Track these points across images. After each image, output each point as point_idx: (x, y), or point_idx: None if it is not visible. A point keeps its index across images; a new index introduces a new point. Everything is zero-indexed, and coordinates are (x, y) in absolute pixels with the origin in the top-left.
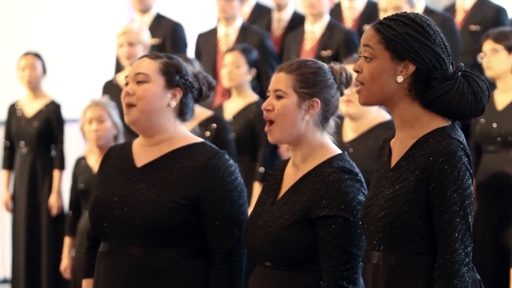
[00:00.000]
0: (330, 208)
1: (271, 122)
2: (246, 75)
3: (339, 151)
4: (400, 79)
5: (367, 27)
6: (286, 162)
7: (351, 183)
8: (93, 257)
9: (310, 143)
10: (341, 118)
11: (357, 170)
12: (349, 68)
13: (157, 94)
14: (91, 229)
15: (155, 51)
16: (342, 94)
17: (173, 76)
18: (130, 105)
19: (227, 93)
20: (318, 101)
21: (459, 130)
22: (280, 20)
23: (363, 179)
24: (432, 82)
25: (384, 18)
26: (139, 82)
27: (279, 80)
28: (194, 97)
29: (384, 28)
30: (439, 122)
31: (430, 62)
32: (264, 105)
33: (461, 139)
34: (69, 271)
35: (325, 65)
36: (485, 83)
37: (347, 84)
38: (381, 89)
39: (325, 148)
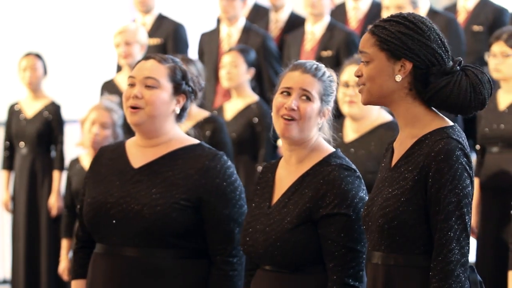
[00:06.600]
0: (332, 206)
1: (292, 120)
2: (245, 75)
3: (332, 149)
4: (398, 78)
5: None
6: (275, 163)
7: (351, 180)
8: (83, 258)
9: (309, 144)
10: (337, 118)
11: (354, 166)
12: (350, 69)
13: (165, 101)
14: (82, 230)
15: (156, 51)
16: None
17: (180, 83)
18: (137, 108)
19: (229, 94)
20: (330, 108)
21: (460, 131)
22: (277, 21)
23: (361, 176)
24: (430, 78)
25: (379, 21)
26: (147, 87)
27: (307, 81)
28: (191, 100)
29: (378, 30)
30: (440, 123)
31: (426, 58)
32: (289, 104)
33: (460, 140)
34: (67, 273)
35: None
36: (485, 76)
37: None
38: (380, 89)
39: (320, 147)
